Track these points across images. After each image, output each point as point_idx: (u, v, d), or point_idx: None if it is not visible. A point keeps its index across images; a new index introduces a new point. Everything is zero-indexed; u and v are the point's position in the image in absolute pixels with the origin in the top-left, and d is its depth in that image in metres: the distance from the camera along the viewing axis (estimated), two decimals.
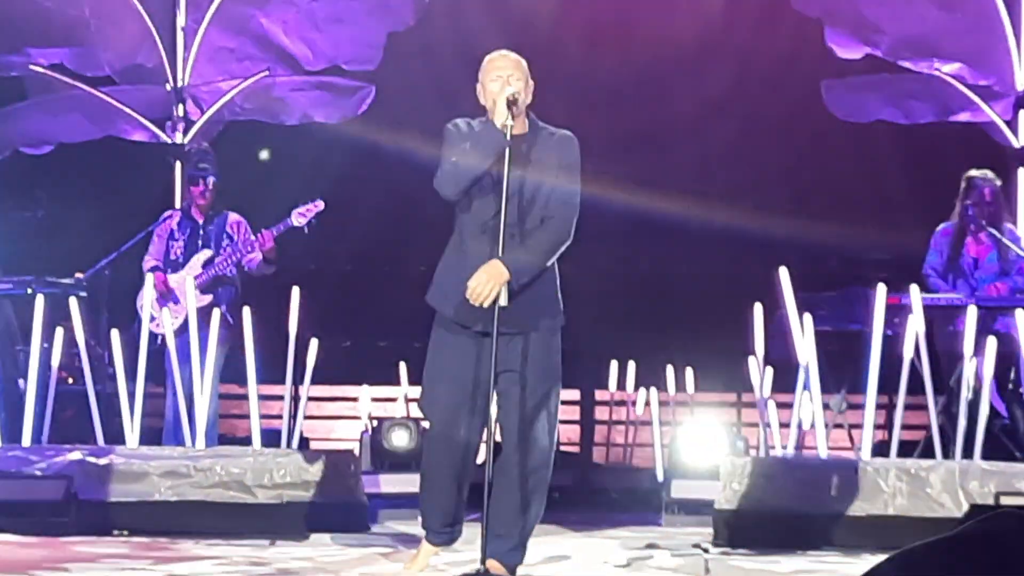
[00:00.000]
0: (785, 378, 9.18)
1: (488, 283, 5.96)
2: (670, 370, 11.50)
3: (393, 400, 11.41)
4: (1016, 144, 11.63)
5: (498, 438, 6.17)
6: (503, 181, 5.97)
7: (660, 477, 10.10)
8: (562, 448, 11.25)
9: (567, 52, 12.92)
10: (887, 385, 8.58)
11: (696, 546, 7.91)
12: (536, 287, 6.12)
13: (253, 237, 9.79)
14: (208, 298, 9.63)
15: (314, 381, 8.82)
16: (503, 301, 5.97)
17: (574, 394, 12.44)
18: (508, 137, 5.99)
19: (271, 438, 8.79)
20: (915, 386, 8.32)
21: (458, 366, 6.14)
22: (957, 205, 9.82)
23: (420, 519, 6.38)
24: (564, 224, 6.16)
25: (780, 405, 9.52)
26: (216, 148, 11.23)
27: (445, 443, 6.17)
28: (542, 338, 6.19)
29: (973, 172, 9.81)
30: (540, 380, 6.17)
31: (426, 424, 6.29)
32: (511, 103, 6.02)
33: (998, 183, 9.85)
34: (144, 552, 7.39)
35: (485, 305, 5.97)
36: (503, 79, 6.10)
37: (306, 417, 8.90)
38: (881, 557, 7.35)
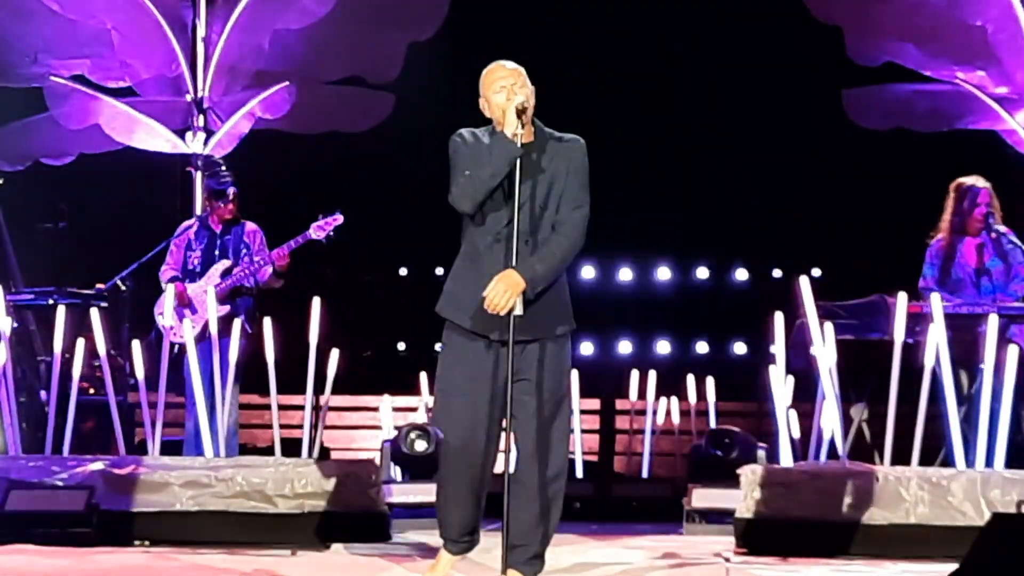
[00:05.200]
0: (806, 387, 9.16)
1: (505, 293, 5.96)
2: (691, 379, 11.48)
3: (414, 410, 11.41)
4: None
5: (514, 447, 6.17)
6: (515, 190, 5.97)
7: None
8: (583, 457, 11.24)
9: (581, 61, 12.95)
10: (908, 394, 8.56)
11: (717, 555, 7.90)
12: (550, 294, 6.12)
13: (268, 250, 9.81)
14: (226, 308, 9.64)
15: (335, 391, 8.84)
16: (518, 310, 5.97)
17: (594, 403, 12.43)
18: (519, 146, 5.99)
19: (292, 448, 8.80)
20: (937, 395, 8.30)
21: (473, 375, 6.13)
22: (947, 215, 9.81)
23: (438, 529, 6.38)
24: (576, 229, 6.14)
25: (801, 414, 9.50)
26: (237, 159, 11.27)
27: (462, 453, 6.16)
28: (556, 346, 6.18)
29: (964, 179, 9.80)
30: (555, 388, 6.16)
31: (444, 434, 6.28)
32: (520, 112, 6.02)
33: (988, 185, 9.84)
34: (165, 562, 7.40)
35: (502, 314, 5.97)
36: (508, 88, 6.10)
37: (327, 427, 8.90)
38: (903, 566, 7.36)
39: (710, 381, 11.61)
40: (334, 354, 8.82)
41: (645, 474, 11.42)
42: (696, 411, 11.52)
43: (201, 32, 12.35)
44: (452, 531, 6.33)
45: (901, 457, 8.32)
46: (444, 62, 12.17)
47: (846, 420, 9.39)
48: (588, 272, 13.68)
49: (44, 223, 12.56)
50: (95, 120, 12.31)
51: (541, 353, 6.13)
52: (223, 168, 10.23)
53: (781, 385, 8.86)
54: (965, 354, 9.31)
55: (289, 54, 12.34)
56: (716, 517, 9.09)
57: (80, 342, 8.99)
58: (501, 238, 6.06)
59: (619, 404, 12.14)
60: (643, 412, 11.58)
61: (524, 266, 5.99)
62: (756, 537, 7.94)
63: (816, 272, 13.29)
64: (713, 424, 11.29)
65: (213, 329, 8.93)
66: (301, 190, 12.29)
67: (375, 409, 11.54)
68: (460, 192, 6.10)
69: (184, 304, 9.75)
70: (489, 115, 6.19)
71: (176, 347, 9.49)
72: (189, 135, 12.33)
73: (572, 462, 10.32)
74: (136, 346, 9.13)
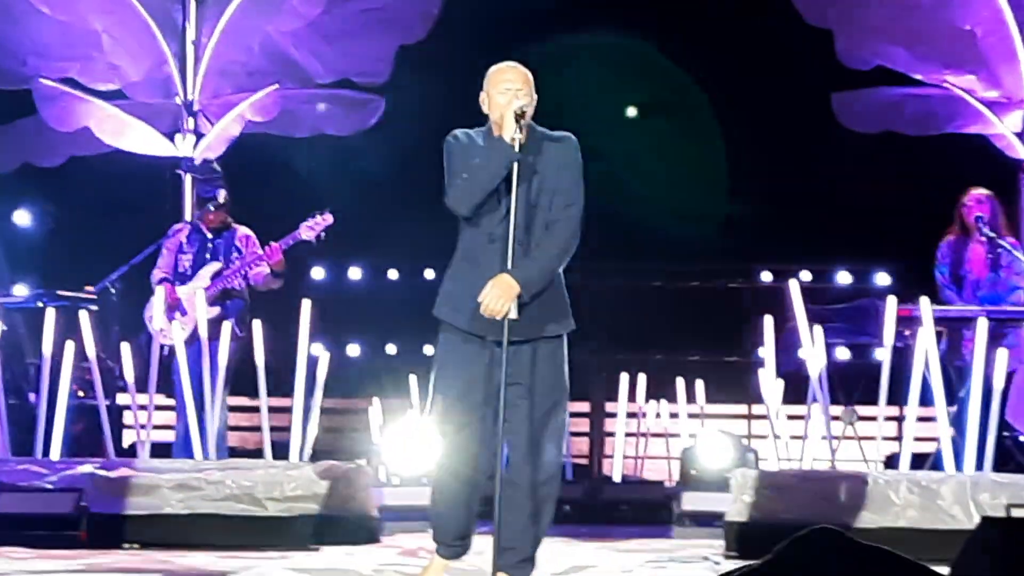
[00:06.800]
0: (796, 390, 9.18)
1: (499, 298, 5.96)
2: (680, 382, 11.48)
3: (405, 412, 11.40)
4: None
5: (506, 449, 6.17)
6: (511, 192, 5.96)
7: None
8: (573, 460, 11.25)
9: (573, 65, 12.96)
10: (898, 397, 8.57)
11: (706, 558, 7.90)
12: (544, 294, 6.11)
13: (260, 251, 9.79)
14: (216, 310, 9.63)
15: (325, 393, 8.83)
16: (513, 314, 5.97)
17: (585, 406, 12.43)
18: (518, 150, 5.98)
19: (282, 451, 8.80)
20: (927, 398, 8.31)
21: (468, 377, 6.13)
22: (956, 219, 9.87)
23: (431, 532, 6.37)
24: (570, 227, 6.13)
25: (791, 417, 9.51)
26: (227, 161, 11.25)
27: (457, 456, 6.16)
28: (550, 348, 6.18)
29: (972, 189, 9.86)
30: (548, 392, 6.16)
31: (438, 436, 6.27)
32: (519, 117, 6.01)
33: (994, 197, 9.85)
34: (155, 565, 7.39)
35: (498, 318, 5.97)
36: (512, 92, 6.09)
37: (322, 430, 8.91)
38: None
39: (700, 384, 11.62)
40: (324, 356, 8.81)
41: (635, 477, 11.43)
42: (686, 414, 11.52)
43: (191, 34, 12.33)
44: (446, 534, 6.32)
45: (891, 460, 8.34)
46: (434, 65, 12.17)
47: (836, 423, 9.40)
48: (579, 274, 13.66)
49: (33, 225, 12.55)
50: (84, 122, 12.29)
51: (534, 355, 6.12)
52: (215, 174, 10.20)
53: (771, 388, 8.87)
54: (956, 358, 9.34)
55: (279, 57, 12.33)
56: (706, 520, 9.09)
57: (69, 345, 8.97)
58: (496, 238, 6.05)
59: (609, 407, 12.14)
60: (633, 415, 11.58)
61: (519, 269, 5.98)
62: (746, 540, 7.94)
63: (806, 276, 13.31)
64: (704, 427, 11.31)
65: (202, 332, 8.93)
66: (291, 194, 12.27)
67: (365, 411, 11.53)
68: (457, 195, 6.09)
69: (173, 306, 9.73)
70: (487, 111, 6.17)
71: (166, 349, 9.48)
72: (179, 137, 12.32)
73: (563, 465, 10.33)
74: (126, 348, 9.12)
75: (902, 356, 8.60)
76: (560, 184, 6.12)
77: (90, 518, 8.15)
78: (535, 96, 6.15)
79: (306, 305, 8.55)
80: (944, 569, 5.12)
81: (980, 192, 9.79)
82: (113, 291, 10.62)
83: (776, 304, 8.94)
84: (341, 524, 8.33)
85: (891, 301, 8.34)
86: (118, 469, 8.38)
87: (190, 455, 8.89)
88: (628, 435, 11.50)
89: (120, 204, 12.56)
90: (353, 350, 14.04)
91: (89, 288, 10.38)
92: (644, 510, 10.41)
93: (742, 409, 13.03)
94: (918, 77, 11.81)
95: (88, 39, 12.29)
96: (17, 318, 10.60)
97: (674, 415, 11.50)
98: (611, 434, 11.98)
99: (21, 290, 10.83)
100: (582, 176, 6.18)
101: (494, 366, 6.05)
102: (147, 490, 8.27)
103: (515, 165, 5.97)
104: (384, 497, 9.18)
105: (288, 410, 8.87)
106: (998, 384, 8.28)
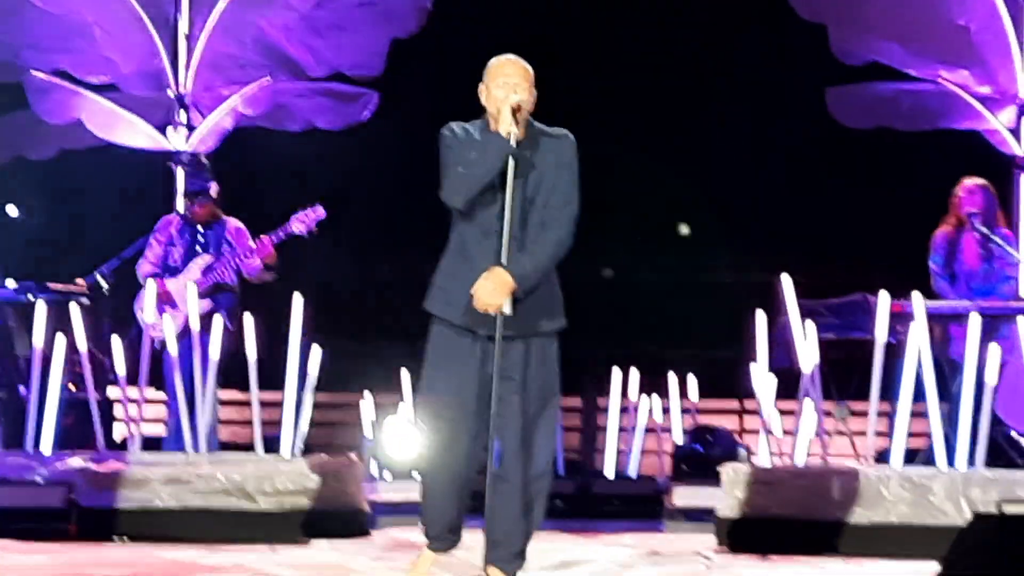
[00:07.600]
0: (788, 385, 9.17)
1: (493, 292, 5.95)
2: (673, 377, 11.46)
3: (396, 406, 11.39)
4: (1020, 152, 11.63)
5: (498, 444, 6.15)
6: (506, 187, 5.96)
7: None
8: (564, 455, 11.22)
9: (566, 59, 12.94)
10: (890, 393, 8.55)
11: (698, 553, 7.89)
12: (539, 289, 6.11)
13: (252, 244, 9.77)
14: (207, 304, 9.61)
15: (316, 388, 8.81)
16: (507, 309, 5.97)
17: (576, 401, 12.42)
18: (513, 144, 5.97)
19: (273, 445, 8.78)
20: (919, 393, 8.30)
21: (459, 371, 6.12)
22: (950, 210, 9.86)
23: (421, 526, 6.36)
24: (565, 225, 6.13)
25: (782, 413, 9.49)
26: (219, 155, 11.22)
27: (446, 449, 6.15)
28: (542, 344, 6.18)
29: (965, 179, 9.85)
30: (540, 388, 6.15)
31: (428, 430, 6.26)
32: (515, 111, 6.00)
33: (988, 186, 9.84)
34: (145, 558, 7.37)
35: (491, 312, 5.96)
36: (510, 86, 6.08)
37: (314, 424, 8.90)
38: (884, 564, 7.35)
39: (692, 379, 11.60)
40: (316, 350, 8.80)
41: (627, 472, 11.41)
42: (678, 409, 11.49)
43: (183, 27, 12.32)
44: (435, 528, 6.31)
45: (882, 456, 8.32)
46: (428, 59, 12.14)
47: (828, 419, 9.38)
48: (570, 268, 13.64)
49: (25, 217, 12.53)
50: (76, 115, 12.27)
51: (526, 351, 6.12)
52: (201, 166, 10.18)
53: (763, 384, 8.85)
54: (948, 353, 9.33)
55: (271, 50, 12.31)
56: (697, 515, 9.09)
57: (60, 338, 8.94)
58: (490, 232, 6.04)
59: (601, 402, 12.12)
60: (625, 410, 11.56)
61: (513, 264, 5.98)
62: (737, 535, 7.94)
63: (798, 270, 13.30)
64: (695, 422, 11.30)
65: (194, 325, 8.91)
66: (283, 187, 12.25)
67: (356, 406, 11.52)
68: (452, 188, 6.07)
69: (164, 299, 9.71)
70: (485, 103, 6.16)
71: (157, 343, 9.45)
72: (170, 130, 12.30)
73: (555, 460, 10.32)
74: (116, 342, 9.09)
75: (894, 351, 8.58)
76: (557, 182, 6.12)
77: (80, 511, 8.13)
78: (534, 91, 6.14)
79: (297, 299, 8.53)
80: (935, 565, 5.12)
81: (972, 183, 9.77)
82: (104, 284, 10.59)
83: (768, 299, 8.92)
84: (332, 518, 8.31)
85: (883, 296, 8.33)
86: (108, 463, 8.36)
87: (181, 449, 8.87)
88: (620, 430, 11.48)
89: (111, 197, 12.54)
90: (345, 344, 14.01)
91: (80, 281, 10.35)
92: (635, 505, 10.39)
93: (734, 404, 13.02)
94: (912, 72, 11.81)
95: (80, 32, 12.27)
96: (7, 311, 10.58)
97: (666, 410, 11.48)
98: (603, 429, 11.97)
99: (11, 283, 10.80)
100: (579, 174, 6.17)
101: (486, 360, 6.04)
102: (137, 484, 8.25)
103: (511, 159, 5.96)
104: (375, 491, 9.17)
105: (279, 404, 8.85)
106: (990, 380, 8.26)
